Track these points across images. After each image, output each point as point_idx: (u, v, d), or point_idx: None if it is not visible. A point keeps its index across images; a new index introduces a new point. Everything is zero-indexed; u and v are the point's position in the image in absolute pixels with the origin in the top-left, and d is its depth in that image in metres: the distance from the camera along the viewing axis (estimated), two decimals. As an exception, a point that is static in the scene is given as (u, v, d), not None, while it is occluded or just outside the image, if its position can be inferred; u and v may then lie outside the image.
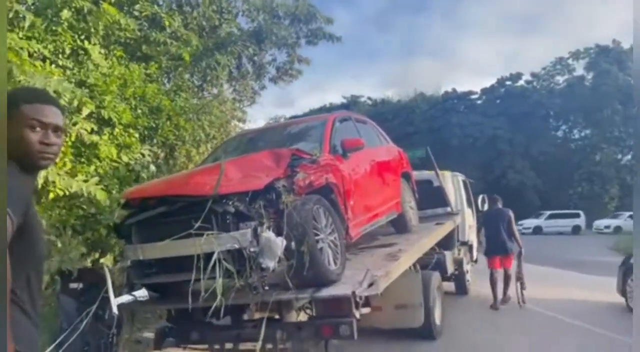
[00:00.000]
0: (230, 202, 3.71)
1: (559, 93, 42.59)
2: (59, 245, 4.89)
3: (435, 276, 6.76)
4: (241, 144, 5.93)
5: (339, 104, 49.56)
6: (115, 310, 3.66)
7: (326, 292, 3.87)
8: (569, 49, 52.08)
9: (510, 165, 40.09)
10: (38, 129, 1.56)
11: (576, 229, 32.06)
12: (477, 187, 14.84)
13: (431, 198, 8.51)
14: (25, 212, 1.47)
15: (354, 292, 3.77)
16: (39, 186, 4.44)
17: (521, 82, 45.35)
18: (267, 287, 3.74)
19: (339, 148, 5.14)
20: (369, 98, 53.71)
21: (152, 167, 7.03)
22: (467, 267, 9.90)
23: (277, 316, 4.39)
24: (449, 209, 9.00)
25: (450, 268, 8.48)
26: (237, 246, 3.60)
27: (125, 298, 3.82)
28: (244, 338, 4.33)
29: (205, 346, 4.76)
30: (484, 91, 46.30)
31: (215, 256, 3.55)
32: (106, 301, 3.72)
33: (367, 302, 5.12)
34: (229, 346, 4.46)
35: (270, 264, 3.59)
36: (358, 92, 57.37)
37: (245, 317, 4.64)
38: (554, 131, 45.12)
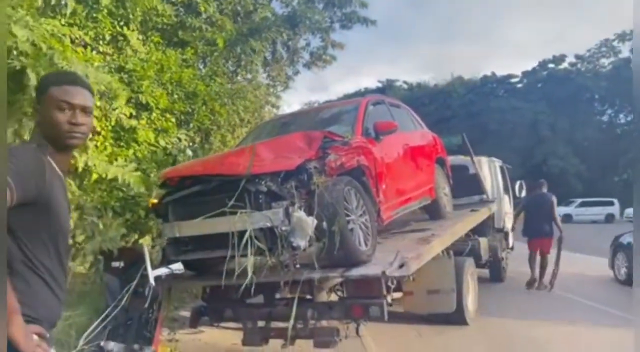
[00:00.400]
0: (263, 182, 3.79)
1: (605, 76, 40.85)
2: (101, 226, 5.08)
3: (469, 262, 6.69)
4: (274, 128, 5.98)
5: (374, 89, 49.10)
6: (152, 281, 3.80)
7: (356, 271, 3.90)
8: (614, 31, 49.65)
9: (552, 151, 38.85)
10: (66, 110, 1.63)
11: (610, 218, 30.79)
12: (517, 174, 14.51)
13: (467, 185, 8.37)
14: (38, 187, 1.50)
15: (384, 272, 3.78)
16: (80, 169, 4.60)
17: (564, 65, 43.71)
18: (298, 266, 3.81)
19: (371, 131, 5.12)
20: (405, 82, 52.98)
21: (189, 151, 7.18)
22: (502, 254, 9.73)
23: (308, 296, 4.46)
24: (484, 196, 8.86)
25: (485, 255, 8.37)
26: (269, 225, 3.68)
27: (162, 271, 3.95)
28: (275, 316, 4.42)
29: (238, 325, 4.89)
30: (525, 74, 44.90)
31: (247, 234, 3.64)
32: (146, 278, 3.86)
33: (398, 286, 5.16)
34: (261, 324, 4.56)
35: (302, 242, 3.64)
36: (394, 77, 56.59)
37: (277, 296, 4.73)
38: (598, 116, 43.43)
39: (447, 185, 7.11)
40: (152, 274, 3.80)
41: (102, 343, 3.87)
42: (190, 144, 7.77)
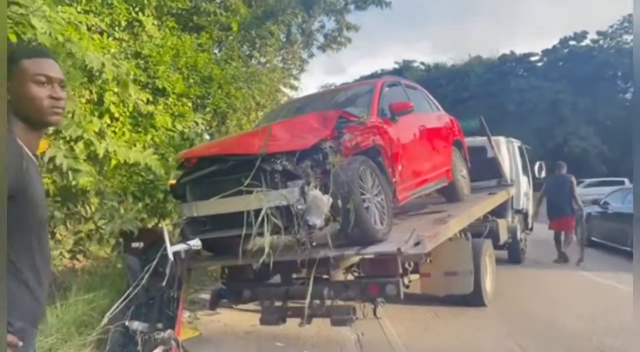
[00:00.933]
0: (278, 161, 3.84)
1: (628, 53, 39.62)
2: (122, 211, 5.18)
3: (487, 243, 6.66)
4: (289, 111, 6.00)
5: (390, 70, 48.54)
6: (171, 257, 3.90)
7: (372, 249, 3.94)
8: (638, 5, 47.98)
9: (573, 131, 38.07)
10: (45, 84, 1.50)
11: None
12: (537, 155, 14.33)
13: (485, 168, 8.29)
14: (18, 177, 1.37)
15: (399, 249, 3.80)
16: (101, 155, 4.68)
17: (586, 42, 42.51)
18: (314, 244, 3.87)
19: (387, 111, 5.12)
20: (422, 63, 52.22)
21: (206, 135, 7.25)
22: (521, 235, 9.66)
23: (325, 276, 4.51)
24: (503, 180, 8.78)
25: (504, 236, 8.31)
26: (284, 203, 3.74)
27: (181, 246, 4.05)
28: (292, 295, 4.49)
29: (256, 307, 4.98)
30: (545, 53, 43.86)
31: (263, 212, 3.70)
32: (166, 258, 3.93)
33: (416, 268, 5.17)
34: (278, 303, 4.64)
35: (317, 221, 3.69)
36: (410, 58, 55.87)
37: (294, 275, 4.79)
38: (622, 94, 42.29)
39: (464, 167, 7.10)
40: (170, 249, 3.89)
41: (126, 322, 3.98)
42: (207, 128, 7.83)
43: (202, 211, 4.21)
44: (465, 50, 61.28)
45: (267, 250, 3.74)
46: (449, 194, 6.58)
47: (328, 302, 4.27)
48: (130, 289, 4.05)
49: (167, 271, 3.94)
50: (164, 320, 4.08)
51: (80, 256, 5.61)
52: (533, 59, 44.37)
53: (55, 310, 4.49)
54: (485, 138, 8.81)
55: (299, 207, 3.70)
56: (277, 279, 4.85)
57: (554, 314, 5.83)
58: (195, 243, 4.08)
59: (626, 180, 30.72)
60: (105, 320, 4.08)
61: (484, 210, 6.89)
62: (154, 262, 3.96)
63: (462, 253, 5.91)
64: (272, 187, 3.83)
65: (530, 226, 10.66)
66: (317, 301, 4.25)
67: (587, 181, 30.93)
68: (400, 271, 4.06)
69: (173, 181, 4.73)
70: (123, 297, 4.06)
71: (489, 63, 45.07)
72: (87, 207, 5.24)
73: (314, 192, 3.71)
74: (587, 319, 5.54)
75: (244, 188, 3.81)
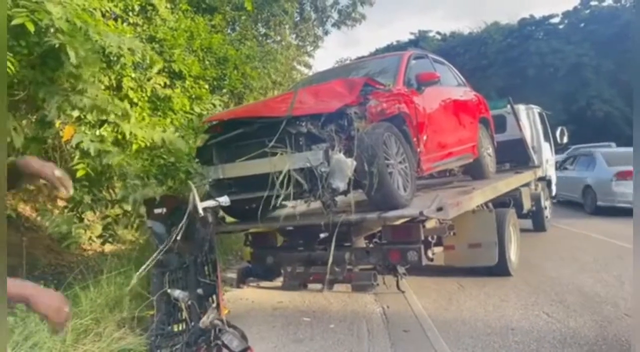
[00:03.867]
0: (303, 124, 3.88)
1: (654, 11, 38.19)
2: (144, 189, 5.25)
3: (511, 213, 6.63)
4: (316, 82, 6.01)
5: (406, 41, 47.68)
6: (200, 212, 3.96)
7: (393, 213, 3.97)
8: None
9: (596, 94, 37.01)
10: None
11: None
12: (559, 120, 14.06)
13: (511, 150, 8.23)
14: None
15: (421, 212, 3.84)
16: (128, 136, 4.75)
17: (608, 1, 41.02)
18: (336, 207, 3.93)
19: (413, 82, 5.14)
20: (438, 33, 51.12)
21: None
22: (545, 203, 9.57)
23: (346, 244, 4.56)
24: (530, 163, 8.73)
25: (527, 205, 8.26)
26: (308, 165, 3.79)
27: (210, 203, 4.10)
28: (313, 260, 4.57)
29: (278, 285, 5.08)
30: (566, 15, 42.48)
31: (284, 172, 3.77)
32: (192, 223, 3.98)
33: (439, 241, 5.20)
34: (300, 269, 4.72)
35: (341, 184, 3.73)
36: (426, 28, 54.70)
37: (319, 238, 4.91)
38: (647, 54, 40.89)
39: (491, 146, 7.13)
40: (200, 205, 3.95)
41: (168, 290, 4.08)
42: (225, 109, 7.84)
43: (228, 173, 4.31)
44: (482, 16, 59.61)
45: (290, 203, 3.87)
46: (475, 171, 6.60)
47: (349, 268, 4.34)
48: (158, 251, 4.10)
49: (195, 237, 3.99)
50: (203, 286, 4.15)
51: (111, 240, 5.74)
52: (553, 21, 43.01)
53: (89, 293, 4.64)
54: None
55: (323, 170, 3.74)
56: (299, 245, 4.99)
57: (581, 280, 5.81)
58: (224, 200, 4.12)
59: (613, 144, 29.60)
60: (134, 280, 4.19)
61: (509, 186, 6.90)
62: (181, 225, 3.99)
63: (486, 225, 5.90)
64: (296, 150, 3.89)
65: (554, 193, 10.55)
66: (338, 268, 4.32)
67: (573, 147, 30.01)
68: (422, 238, 4.08)
69: (199, 144, 4.82)
70: (151, 259, 4.12)
71: (508, 28, 43.88)
72: (112, 192, 5.34)
73: (338, 156, 3.75)
74: (614, 285, 5.50)
75: (269, 150, 3.88)
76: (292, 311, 5.45)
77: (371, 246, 5.15)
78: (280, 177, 3.78)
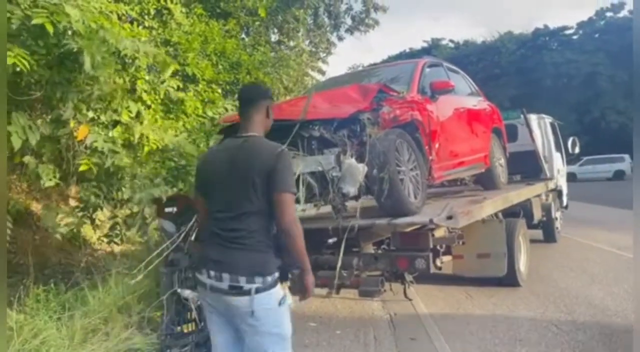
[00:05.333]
0: (316, 128, 3.89)
1: (670, 22, 37.80)
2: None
3: (521, 223, 6.57)
4: (329, 87, 6.04)
5: (419, 49, 47.73)
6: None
7: (403, 220, 3.95)
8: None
9: (610, 105, 36.71)
10: None
11: (619, 174, 28.64)
12: (573, 131, 13.97)
13: (523, 161, 8.19)
14: None
15: (431, 220, 3.81)
16: (136, 139, 4.80)
17: (624, 13, 40.74)
18: (346, 212, 3.92)
19: (427, 90, 5.14)
20: (451, 41, 51.12)
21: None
22: (556, 214, 9.48)
23: (355, 249, 4.55)
24: (542, 175, 8.68)
25: (538, 215, 8.19)
26: (320, 169, 3.80)
27: None
28: (321, 264, 4.56)
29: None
30: (581, 25, 42.29)
31: (298, 171, 3.74)
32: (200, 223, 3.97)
33: (448, 250, 5.16)
34: None
35: (351, 189, 3.74)
36: (439, 35, 54.69)
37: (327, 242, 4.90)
38: (663, 65, 40.48)
39: (503, 156, 7.09)
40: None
41: (178, 290, 4.11)
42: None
43: None
44: (496, 25, 59.45)
45: (301, 205, 3.83)
46: (486, 181, 6.57)
47: (357, 273, 4.33)
48: (169, 251, 4.10)
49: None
50: None
51: (117, 241, 5.78)
52: (568, 32, 42.85)
53: (97, 293, 4.68)
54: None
55: (334, 174, 3.75)
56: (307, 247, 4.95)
57: (592, 293, 5.75)
58: None
59: (627, 156, 29.19)
60: (139, 277, 4.21)
61: (521, 197, 6.86)
62: (191, 225, 4.01)
63: (496, 235, 5.86)
64: (308, 153, 3.91)
65: (565, 203, 10.45)
66: (346, 272, 4.31)
67: (586, 158, 29.62)
68: (431, 246, 4.06)
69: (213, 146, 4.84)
70: (161, 257, 4.14)
71: (522, 38, 43.76)
72: (122, 193, 5.39)
73: (350, 161, 3.76)
74: (625, 298, 5.44)
75: None
76: (298, 316, 5.43)
77: (379, 252, 5.13)
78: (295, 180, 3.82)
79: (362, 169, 3.73)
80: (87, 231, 6.19)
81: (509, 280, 5.98)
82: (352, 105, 4.05)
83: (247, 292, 2.19)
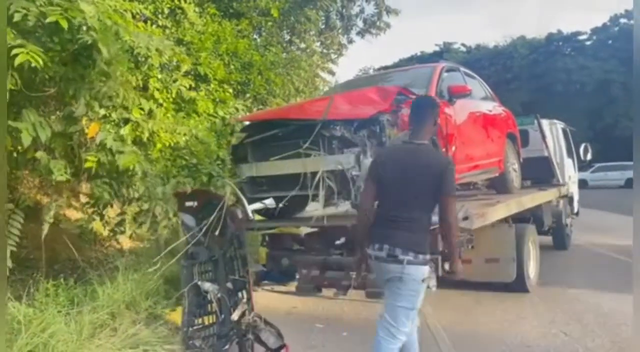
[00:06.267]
0: (337, 128, 4.00)
1: (686, 29, 37.35)
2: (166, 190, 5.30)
3: (530, 229, 6.53)
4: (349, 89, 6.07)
5: (430, 53, 47.58)
6: (251, 215, 4.17)
7: None
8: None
9: (623, 112, 36.22)
10: None
11: (631, 182, 28.37)
12: (585, 137, 13.84)
13: (534, 166, 8.14)
14: None
15: None
16: (146, 137, 4.82)
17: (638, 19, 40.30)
18: None
19: (445, 94, 5.22)
20: (463, 45, 50.88)
21: (246, 122, 7.33)
22: (566, 220, 9.39)
23: None
24: (555, 180, 8.63)
25: (548, 221, 8.14)
26: (340, 168, 3.91)
27: (257, 205, 4.28)
28: (329, 265, 4.60)
29: (292, 290, 5.10)
30: (594, 31, 41.93)
31: (319, 174, 3.91)
32: (220, 218, 4.03)
33: (456, 254, 5.14)
34: (315, 273, 4.74)
35: None
36: (451, 39, 54.54)
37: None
38: (677, 73, 40.02)
39: (517, 161, 7.13)
40: (249, 208, 4.14)
41: (198, 283, 4.14)
42: (247, 114, 7.92)
43: (262, 171, 4.48)
44: (508, 30, 59.17)
45: (322, 206, 3.98)
46: (499, 185, 6.60)
47: (364, 275, 4.35)
48: (189, 245, 4.17)
49: (225, 232, 4.06)
50: (232, 280, 4.19)
51: (125, 237, 5.81)
52: (581, 37, 42.47)
53: (106, 288, 4.70)
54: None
55: (354, 173, 3.86)
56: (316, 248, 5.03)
57: (600, 300, 5.68)
58: (270, 202, 4.29)
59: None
60: (157, 265, 4.27)
61: (534, 202, 6.86)
62: (211, 220, 4.02)
63: (505, 240, 5.83)
64: (329, 152, 4.01)
65: (576, 210, 10.36)
66: (354, 273, 4.35)
67: (597, 165, 29.26)
68: (440, 249, 4.07)
69: (235, 142, 4.93)
70: (182, 252, 4.20)
71: (535, 43, 43.46)
72: (131, 190, 5.41)
73: (369, 160, 3.81)
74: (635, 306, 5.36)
75: (303, 151, 4.01)
76: (305, 317, 5.44)
77: None
78: (316, 178, 3.92)
79: None
80: (97, 227, 6.23)
81: (518, 286, 5.94)
82: (372, 106, 4.14)
83: (401, 261, 2.81)
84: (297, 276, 5.11)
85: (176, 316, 4.72)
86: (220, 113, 6.86)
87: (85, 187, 6.47)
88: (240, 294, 4.12)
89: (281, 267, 5.09)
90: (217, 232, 4.04)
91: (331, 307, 5.74)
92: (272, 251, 5.19)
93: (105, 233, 6.62)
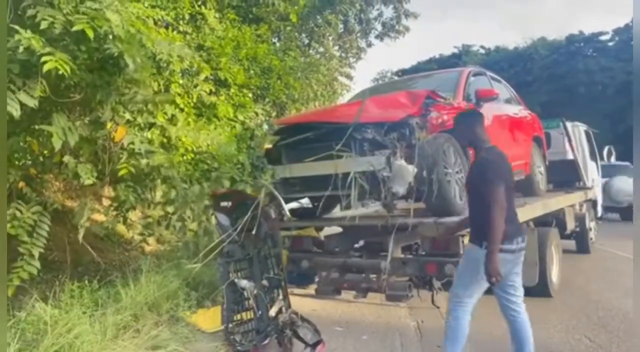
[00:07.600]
0: (368, 131, 4.10)
1: None
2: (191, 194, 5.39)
3: (553, 232, 6.46)
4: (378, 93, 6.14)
5: (449, 55, 47.24)
6: (287, 214, 4.23)
7: (450, 219, 4.08)
8: None
9: (646, 114, 35.62)
10: None
11: None
12: (606, 139, 13.63)
13: (557, 169, 8.06)
14: None
15: None
16: (173, 139, 4.92)
17: (663, 19, 39.53)
18: (396, 210, 4.18)
19: (472, 97, 5.30)
20: (482, 46, 50.38)
21: (265, 126, 7.41)
22: (590, 224, 9.24)
23: (383, 253, 4.59)
24: (581, 183, 8.57)
25: (571, 225, 8.01)
26: (371, 169, 4.00)
27: (294, 204, 4.33)
28: (349, 267, 4.64)
29: (312, 293, 5.13)
30: (617, 32, 41.11)
31: (351, 175, 4.00)
32: (255, 217, 4.13)
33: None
34: (334, 275, 4.77)
35: (400, 189, 3.94)
36: (470, 41, 54.14)
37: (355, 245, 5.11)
38: None
39: (542, 164, 7.16)
40: (286, 207, 4.20)
41: (235, 280, 4.23)
42: (267, 118, 7.99)
43: (295, 172, 4.61)
44: (529, 31, 58.47)
45: (354, 205, 4.10)
46: (525, 187, 6.58)
47: (384, 277, 4.38)
48: (224, 244, 4.27)
49: (258, 231, 4.16)
50: (267, 278, 4.27)
51: (150, 240, 5.89)
52: (603, 38, 41.71)
53: (129, 290, 4.77)
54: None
55: (385, 174, 3.94)
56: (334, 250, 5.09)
57: (624, 304, 5.58)
58: (306, 202, 4.35)
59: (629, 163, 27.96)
60: (196, 261, 4.35)
61: (559, 205, 6.84)
62: (246, 219, 4.12)
63: (527, 243, 5.75)
64: (360, 154, 4.11)
65: (599, 214, 10.19)
66: (374, 276, 4.38)
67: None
68: (462, 251, 4.08)
69: (269, 146, 5.08)
70: (217, 251, 4.29)
71: (555, 44, 42.84)
72: (155, 193, 5.50)
73: (399, 162, 3.95)
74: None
75: (335, 153, 4.09)
76: (325, 320, 5.43)
77: (409, 256, 5.13)
78: (349, 179, 4.01)
79: (411, 170, 3.92)
80: (120, 229, 6.34)
81: (540, 290, 5.86)
82: (402, 110, 4.23)
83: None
84: (317, 278, 5.14)
85: (197, 318, 4.77)
86: (240, 117, 6.94)
87: (107, 190, 6.59)
88: (276, 292, 4.21)
89: (301, 269, 5.13)
90: (251, 232, 4.14)
91: (351, 311, 5.74)
92: (292, 253, 5.24)
93: (130, 235, 6.74)
